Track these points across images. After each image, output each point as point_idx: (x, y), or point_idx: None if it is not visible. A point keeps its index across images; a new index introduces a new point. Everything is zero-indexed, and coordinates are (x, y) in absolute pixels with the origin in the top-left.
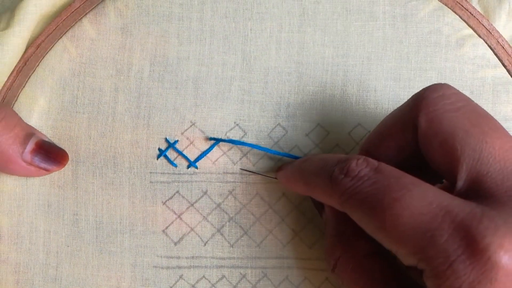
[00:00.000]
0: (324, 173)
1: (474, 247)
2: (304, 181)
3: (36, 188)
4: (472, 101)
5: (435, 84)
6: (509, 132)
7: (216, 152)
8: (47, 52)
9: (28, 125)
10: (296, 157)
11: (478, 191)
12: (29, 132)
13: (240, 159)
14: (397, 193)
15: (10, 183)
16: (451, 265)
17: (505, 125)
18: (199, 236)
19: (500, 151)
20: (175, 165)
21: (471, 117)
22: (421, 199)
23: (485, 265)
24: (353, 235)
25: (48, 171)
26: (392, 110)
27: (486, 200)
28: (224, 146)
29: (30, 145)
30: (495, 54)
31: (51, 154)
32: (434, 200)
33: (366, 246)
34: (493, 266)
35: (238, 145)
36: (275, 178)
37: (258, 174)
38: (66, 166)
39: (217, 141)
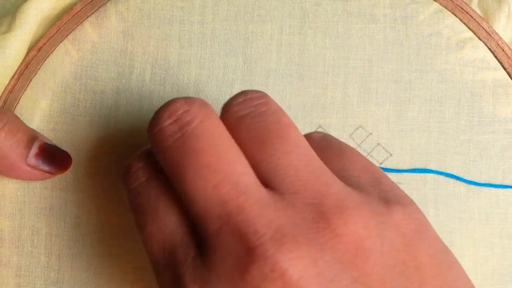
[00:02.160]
0: None
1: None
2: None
3: (38, 191)
4: None
5: None
6: (511, 134)
7: None
8: (49, 55)
9: (30, 128)
10: None
11: None
12: (33, 136)
13: None
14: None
15: (11, 186)
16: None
17: (506, 127)
18: None
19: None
20: None
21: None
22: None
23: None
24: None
25: (52, 174)
26: (393, 112)
27: None
28: None
29: (34, 149)
30: (495, 57)
31: (55, 157)
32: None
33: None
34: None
35: None
36: None
37: None
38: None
39: None
